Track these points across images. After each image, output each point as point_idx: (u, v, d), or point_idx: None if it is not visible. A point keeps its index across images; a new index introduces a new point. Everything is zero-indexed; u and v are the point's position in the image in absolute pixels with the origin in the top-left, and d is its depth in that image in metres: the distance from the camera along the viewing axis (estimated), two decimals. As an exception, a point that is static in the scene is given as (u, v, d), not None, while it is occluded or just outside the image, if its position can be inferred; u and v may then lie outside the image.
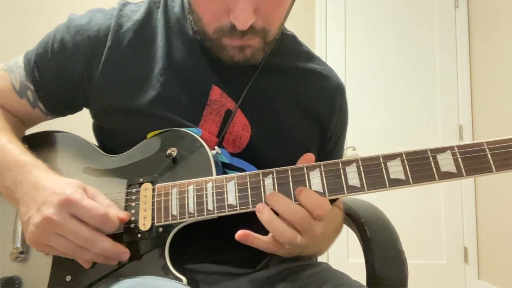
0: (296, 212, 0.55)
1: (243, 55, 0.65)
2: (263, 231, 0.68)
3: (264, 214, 0.55)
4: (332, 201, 0.79)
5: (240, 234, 0.56)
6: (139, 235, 0.60)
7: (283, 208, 0.55)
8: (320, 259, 0.81)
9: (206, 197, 0.59)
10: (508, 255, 2.43)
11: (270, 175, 0.59)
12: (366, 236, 0.80)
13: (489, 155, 0.54)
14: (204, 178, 0.61)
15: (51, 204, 0.54)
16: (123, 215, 0.59)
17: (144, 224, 0.61)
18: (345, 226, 0.86)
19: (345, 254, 2.67)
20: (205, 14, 0.64)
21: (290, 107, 0.74)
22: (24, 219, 0.56)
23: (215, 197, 0.59)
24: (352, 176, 0.57)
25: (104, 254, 0.57)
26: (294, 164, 0.60)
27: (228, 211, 0.58)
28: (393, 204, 2.06)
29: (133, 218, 0.61)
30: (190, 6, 0.67)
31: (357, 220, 0.83)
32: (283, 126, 0.73)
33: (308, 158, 0.60)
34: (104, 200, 0.59)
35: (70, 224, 0.54)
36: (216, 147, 0.66)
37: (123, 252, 0.58)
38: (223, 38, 0.64)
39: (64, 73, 0.71)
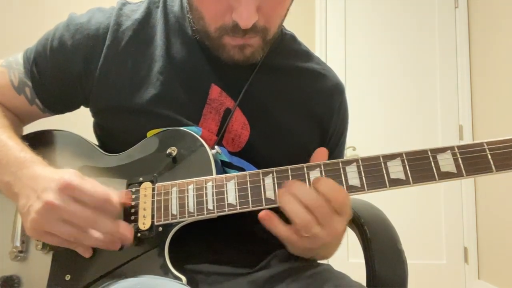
0: (314, 198, 0.54)
1: (243, 54, 0.66)
2: (264, 232, 0.67)
3: (284, 196, 0.55)
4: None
5: (264, 213, 0.56)
6: (138, 235, 0.60)
7: (302, 193, 0.55)
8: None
9: (206, 197, 0.59)
10: (508, 255, 2.43)
11: (270, 175, 0.59)
12: (366, 236, 0.80)
13: (489, 155, 0.54)
14: (204, 178, 0.61)
15: (51, 189, 0.54)
16: (124, 197, 0.59)
17: (144, 223, 0.60)
18: (345, 226, 0.86)
19: (345, 254, 2.66)
20: (208, 12, 0.64)
21: (289, 106, 0.74)
22: (24, 210, 0.56)
23: (215, 197, 0.59)
24: (352, 176, 0.57)
25: (108, 234, 0.56)
26: (293, 163, 0.60)
27: (228, 210, 0.58)
28: (393, 204, 2.06)
29: (132, 218, 0.61)
30: (191, 5, 0.67)
31: (357, 220, 0.83)
32: (282, 125, 0.73)
33: (320, 152, 0.61)
34: (103, 187, 0.58)
35: (71, 206, 0.54)
36: (216, 146, 0.66)
37: (126, 230, 0.57)
38: (224, 37, 0.64)
39: (62, 71, 0.71)
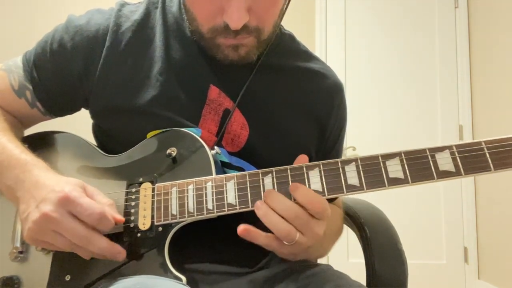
0: (291, 209, 0.55)
1: (238, 54, 0.66)
2: (264, 232, 0.67)
3: (261, 209, 0.56)
4: (331, 201, 0.80)
5: (242, 229, 0.57)
6: (138, 235, 0.60)
7: (279, 205, 0.56)
8: (320, 259, 0.81)
9: (206, 197, 0.59)
10: (508, 255, 2.43)
11: (270, 175, 0.59)
12: (366, 236, 0.80)
13: (487, 154, 0.54)
14: (203, 178, 0.61)
15: (50, 201, 0.54)
16: (119, 217, 0.59)
17: (144, 223, 0.61)
18: (345, 226, 0.86)
19: (345, 254, 2.66)
20: (200, 13, 0.64)
21: (288, 106, 0.74)
22: (23, 216, 0.57)
23: (214, 197, 0.59)
24: (351, 175, 0.57)
25: (100, 253, 0.57)
26: (292, 162, 0.60)
27: (228, 210, 0.58)
28: (393, 204, 2.06)
29: (132, 218, 0.61)
30: (185, 6, 0.68)
31: (357, 220, 0.83)
32: (281, 125, 0.73)
33: (301, 160, 0.61)
34: (103, 199, 0.59)
35: (67, 222, 0.54)
36: (215, 147, 0.66)
37: (119, 252, 0.58)
38: (218, 38, 0.64)
39: (62, 73, 0.71)
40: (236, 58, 0.66)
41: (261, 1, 0.61)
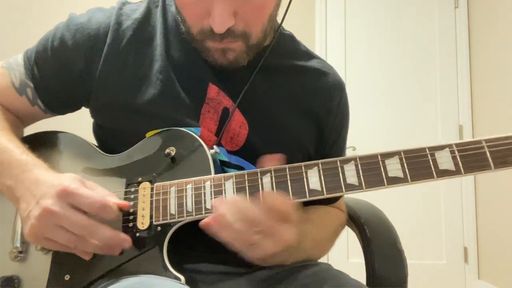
0: (247, 212, 0.53)
1: (226, 58, 0.65)
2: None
3: (211, 228, 0.54)
4: (333, 201, 0.79)
5: (203, 223, 0.54)
6: (137, 234, 0.60)
7: (231, 209, 0.53)
8: (320, 259, 0.81)
9: (205, 196, 0.59)
10: (508, 255, 2.43)
11: (268, 174, 0.59)
12: (366, 236, 0.80)
13: (487, 152, 0.54)
14: (202, 177, 0.61)
15: (49, 195, 0.54)
16: (123, 203, 0.59)
17: (143, 223, 0.61)
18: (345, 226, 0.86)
19: (345, 254, 2.67)
20: (188, 15, 0.64)
21: (287, 105, 0.74)
22: (24, 215, 0.57)
23: (213, 196, 0.59)
24: (350, 174, 0.56)
25: (104, 243, 0.56)
26: (291, 161, 0.60)
27: None
28: (393, 204, 2.06)
29: (131, 217, 0.61)
30: (176, 8, 0.68)
31: (357, 220, 0.83)
32: (280, 124, 0.73)
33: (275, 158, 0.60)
34: (103, 191, 0.59)
35: (69, 214, 0.54)
36: (214, 146, 0.66)
37: (125, 240, 0.57)
38: (206, 41, 0.64)
39: (63, 71, 0.71)
40: (225, 62, 0.66)
41: (247, 5, 0.60)
